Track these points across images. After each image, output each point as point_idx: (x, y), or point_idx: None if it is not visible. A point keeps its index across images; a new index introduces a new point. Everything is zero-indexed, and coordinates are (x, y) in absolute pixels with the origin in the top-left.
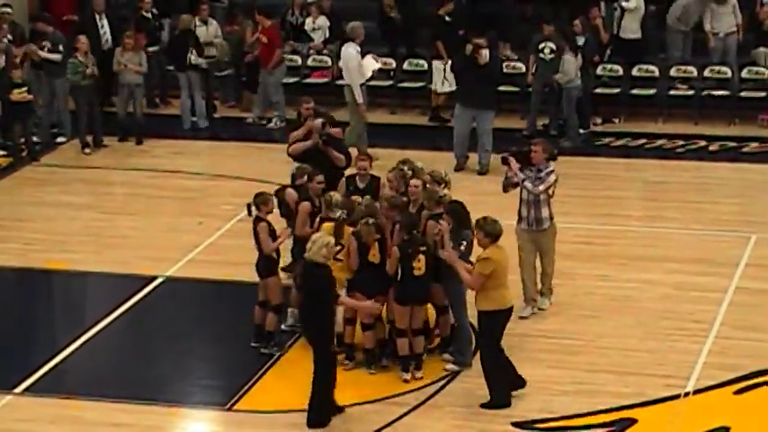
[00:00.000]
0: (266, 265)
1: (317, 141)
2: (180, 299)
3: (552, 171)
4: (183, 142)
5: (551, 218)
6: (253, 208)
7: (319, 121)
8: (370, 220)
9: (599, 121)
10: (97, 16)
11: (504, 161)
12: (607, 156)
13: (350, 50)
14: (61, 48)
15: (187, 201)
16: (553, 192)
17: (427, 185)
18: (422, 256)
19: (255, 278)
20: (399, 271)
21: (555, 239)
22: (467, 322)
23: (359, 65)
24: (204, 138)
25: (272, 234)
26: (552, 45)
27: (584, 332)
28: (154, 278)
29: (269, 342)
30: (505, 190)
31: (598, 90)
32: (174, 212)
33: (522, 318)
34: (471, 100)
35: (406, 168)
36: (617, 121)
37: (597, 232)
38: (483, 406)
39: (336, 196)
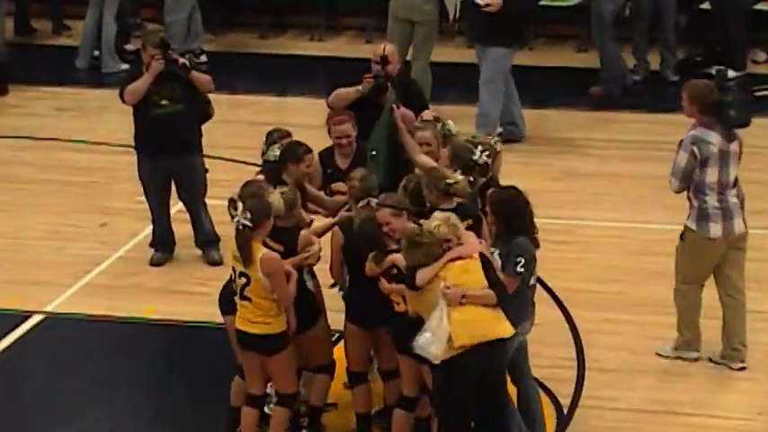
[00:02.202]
0: None
1: (368, 86)
2: (69, 347)
3: (681, 142)
4: (77, 91)
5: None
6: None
7: (382, 45)
8: (373, 201)
9: (762, 57)
10: None
11: None
12: None
13: None
14: None
15: (82, 188)
16: (698, 182)
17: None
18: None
19: (188, 314)
20: None
21: (688, 257)
22: (533, 385)
23: None
24: (110, 84)
25: None
26: None
27: (745, 404)
28: (28, 316)
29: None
30: None
31: (759, 5)
32: (62, 208)
33: (659, 354)
34: (471, 31)
35: (439, 127)
36: None
37: (757, 240)
38: None
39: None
